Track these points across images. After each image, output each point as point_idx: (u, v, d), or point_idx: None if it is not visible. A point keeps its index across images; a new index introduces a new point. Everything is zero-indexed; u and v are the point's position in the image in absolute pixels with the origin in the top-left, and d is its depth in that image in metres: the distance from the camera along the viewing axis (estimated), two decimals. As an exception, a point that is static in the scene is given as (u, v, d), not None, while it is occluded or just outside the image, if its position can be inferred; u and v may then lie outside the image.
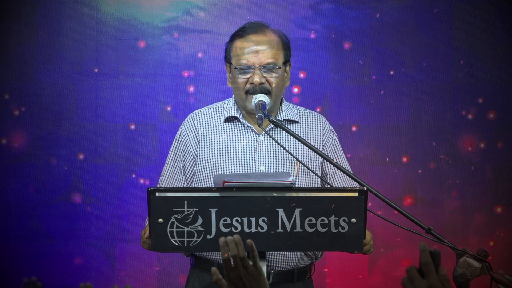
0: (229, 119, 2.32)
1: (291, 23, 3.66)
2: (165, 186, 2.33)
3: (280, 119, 2.30)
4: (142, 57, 4.14)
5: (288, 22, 3.66)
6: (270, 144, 2.28)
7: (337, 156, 2.39)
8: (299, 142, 2.18)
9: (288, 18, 3.66)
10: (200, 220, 1.87)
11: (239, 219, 1.86)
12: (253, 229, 1.86)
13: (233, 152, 2.28)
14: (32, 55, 3.52)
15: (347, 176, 2.21)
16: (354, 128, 3.53)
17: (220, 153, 2.29)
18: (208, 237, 1.86)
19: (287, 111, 2.36)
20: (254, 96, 2.21)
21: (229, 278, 1.64)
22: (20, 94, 3.46)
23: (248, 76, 2.24)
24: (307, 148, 2.19)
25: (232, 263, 1.63)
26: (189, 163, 2.33)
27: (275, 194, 1.88)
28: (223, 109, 2.36)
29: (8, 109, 3.44)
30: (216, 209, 1.86)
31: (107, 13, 3.64)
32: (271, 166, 2.27)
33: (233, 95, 2.35)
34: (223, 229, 1.86)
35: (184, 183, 2.33)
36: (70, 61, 3.80)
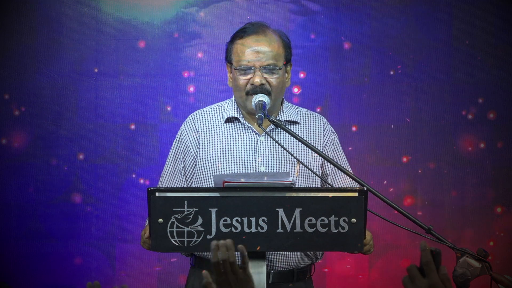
0: (230, 120, 2.32)
1: (291, 23, 3.66)
2: (165, 186, 2.33)
3: (280, 119, 2.30)
4: (142, 57, 4.14)
5: (288, 22, 3.66)
6: (270, 145, 2.28)
7: (338, 157, 2.39)
8: (300, 143, 2.19)
9: (288, 18, 3.66)
10: (200, 220, 1.87)
11: (239, 219, 1.86)
12: (253, 229, 1.86)
13: (234, 152, 2.28)
14: (32, 55, 3.52)
15: (348, 177, 2.21)
16: (354, 128, 3.53)
17: (220, 153, 2.29)
18: (208, 237, 1.86)
19: (288, 111, 2.36)
20: (254, 96, 2.21)
21: (218, 282, 1.63)
22: (20, 94, 3.46)
23: (248, 76, 2.24)
24: (307, 148, 2.19)
25: (221, 267, 1.63)
26: (190, 164, 2.33)
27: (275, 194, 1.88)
28: (224, 109, 2.36)
29: (8, 109, 3.43)
30: (216, 209, 1.86)
31: (107, 13, 3.64)
32: (271, 166, 2.27)
33: (233, 96, 2.35)
34: (223, 229, 1.86)
35: (184, 183, 2.33)
36: (70, 61, 3.80)
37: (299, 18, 3.66)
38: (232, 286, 1.63)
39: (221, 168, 2.27)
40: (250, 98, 2.23)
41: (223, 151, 2.29)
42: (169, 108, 3.64)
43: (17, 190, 3.41)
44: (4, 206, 3.41)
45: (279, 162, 2.28)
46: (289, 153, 2.19)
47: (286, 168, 2.28)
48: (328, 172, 2.36)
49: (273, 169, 2.27)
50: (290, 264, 2.27)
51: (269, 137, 2.25)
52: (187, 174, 2.34)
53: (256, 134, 2.30)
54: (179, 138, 2.37)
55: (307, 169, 2.23)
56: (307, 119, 2.38)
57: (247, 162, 2.27)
